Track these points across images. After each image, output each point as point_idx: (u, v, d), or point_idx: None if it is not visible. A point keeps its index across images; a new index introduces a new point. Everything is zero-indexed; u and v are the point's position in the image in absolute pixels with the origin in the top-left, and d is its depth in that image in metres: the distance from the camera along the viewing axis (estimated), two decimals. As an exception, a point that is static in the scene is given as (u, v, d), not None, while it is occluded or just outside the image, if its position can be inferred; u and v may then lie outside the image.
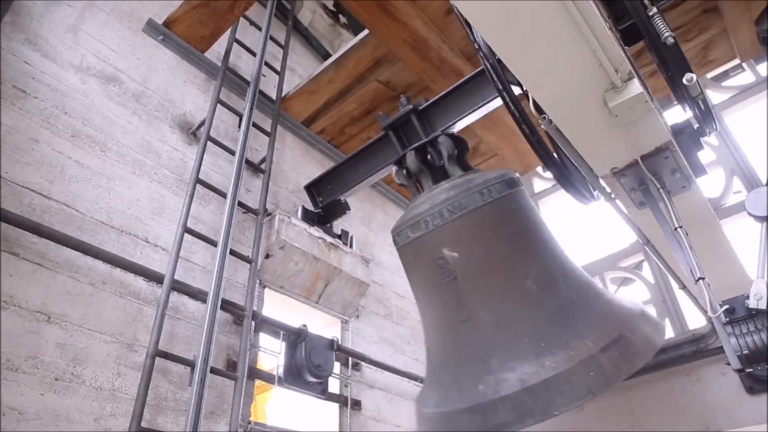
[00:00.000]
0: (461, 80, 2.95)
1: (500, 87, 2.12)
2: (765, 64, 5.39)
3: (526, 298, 1.66)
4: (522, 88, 2.08)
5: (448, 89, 2.94)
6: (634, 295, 5.65)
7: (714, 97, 5.60)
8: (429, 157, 2.62)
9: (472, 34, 2.08)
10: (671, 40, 1.79)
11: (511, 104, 2.12)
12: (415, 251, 1.87)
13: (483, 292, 1.72)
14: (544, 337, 1.53)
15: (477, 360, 1.60)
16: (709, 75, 5.39)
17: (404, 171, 2.73)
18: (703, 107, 2.06)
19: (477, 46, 2.09)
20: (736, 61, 4.71)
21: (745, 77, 5.64)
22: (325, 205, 3.88)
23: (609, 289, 5.63)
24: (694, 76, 1.85)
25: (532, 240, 1.88)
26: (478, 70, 2.93)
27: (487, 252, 1.80)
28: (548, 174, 6.42)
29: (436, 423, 1.64)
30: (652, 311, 5.18)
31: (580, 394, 1.36)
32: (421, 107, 2.87)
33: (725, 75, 5.72)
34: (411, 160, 2.64)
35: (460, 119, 2.85)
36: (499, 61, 2.05)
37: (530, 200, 2.02)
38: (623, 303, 1.90)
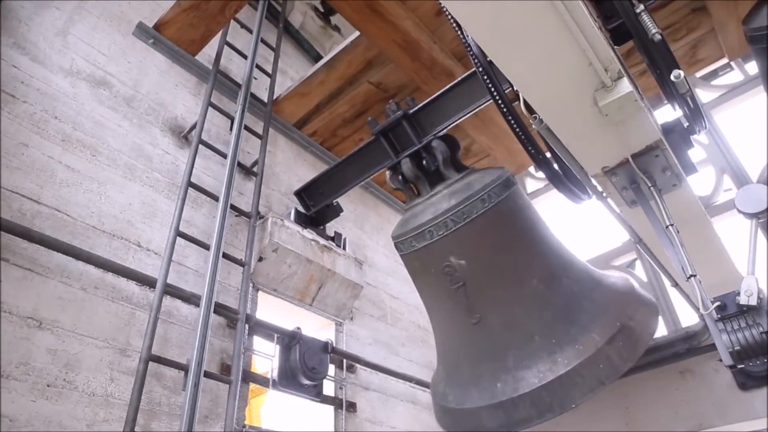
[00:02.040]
0: (450, 84, 2.96)
1: (492, 88, 2.12)
2: (753, 62, 5.43)
3: (533, 298, 1.73)
4: (513, 88, 2.08)
5: (437, 93, 2.95)
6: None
7: (703, 95, 5.64)
8: (424, 162, 2.63)
9: (463, 34, 2.09)
10: (658, 36, 1.80)
11: (503, 106, 2.12)
12: (421, 260, 1.93)
13: (492, 296, 1.78)
14: (553, 333, 1.60)
15: (492, 359, 1.68)
16: (698, 74, 5.43)
17: (399, 177, 2.74)
18: (691, 104, 2.07)
19: (468, 47, 2.10)
20: (725, 60, 4.75)
21: (734, 76, 5.68)
22: (317, 210, 3.89)
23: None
24: (682, 73, 1.87)
25: (533, 239, 1.93)
26: (467, 73, 2.94)
27: (492, 257, 1.86)
28: (540, 174, 6.45)
29: (459, 419, 1.73)
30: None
31: (592, 386, 1.44)
32: (412, 111, 2.88)
33: (714, 74, 5.77)
34: (407, 167, 2.66)
35: (451, 123, 2.86)
36: (490, 62, 2.05)
37: (526, 197, 2.07)
38: (618, 285, 1.96)
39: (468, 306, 1.73)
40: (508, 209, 1.85)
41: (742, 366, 1.74)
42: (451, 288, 1.81)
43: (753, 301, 1.75)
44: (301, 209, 4.03)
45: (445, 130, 2.79)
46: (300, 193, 3.90)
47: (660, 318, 5.00)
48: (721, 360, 1.80)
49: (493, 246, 1.85)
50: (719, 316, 1.80)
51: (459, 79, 2.95)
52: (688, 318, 4.81)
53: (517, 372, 1.58)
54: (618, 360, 1.53)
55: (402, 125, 2.83)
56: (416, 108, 2.90)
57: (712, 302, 1.82)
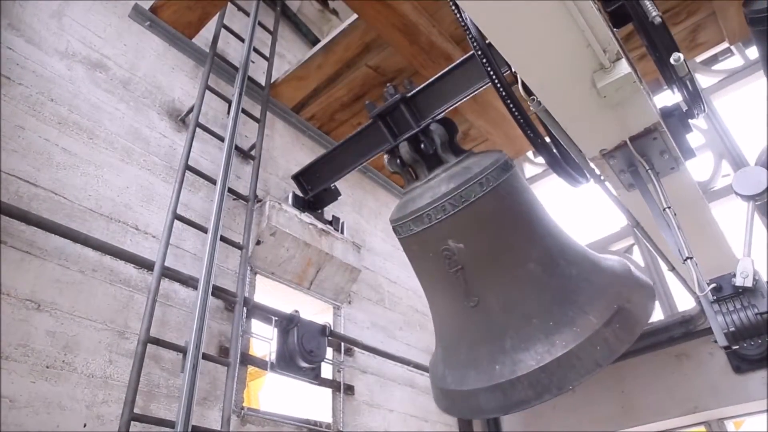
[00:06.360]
0: (449, 66, 2.95)
1: (490, 71, 2.11)
2: (753, 47, 5.41)
3: (530, 280, 1.73)
4: (511, 70, 2.07)
5: (436, 75, 2.94)
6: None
7: (703, 81, 5.62)
8: (422, 146, 2.62)
9: (461, 15, 2.07)
10: (659, 20, 1.79)
11: (502, 89, 2.11)
12: (420, 243, 1.93)
13: (489, 279, 1.78)
14: (551, 316, 1.60)
15: (490, 342, 1.69)
16: (698, 59, 5.40)
17: (397, 160, 2.74)
18: (691, 88, 2.06)
19: (465, 28, 2.08)
20: (725, 45, 4.72)
21: (734, 61, 5.66)
22: (314, 194, 3.90)
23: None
24: (681, 56, 1.86)
25: (531, 222, 1.92)
26: (464, 57, 2.93)
27: (491, 240, 1.86)
28: (539, 159, 6.44)
29: (458, 400, 1.74)
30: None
31: (589, 368, 1.44)
32: (410, 95, 2.87)
33: (714, 59, 5.74)
34: (405, 150, 2.65)
35: (450, 106, 2.85)
36: (489, 45, 2.04)
37: (524, 180, 2.06)
38: (616, 268, 1.96)
39: (466, 289, 1.74)
40: (506, 192, 1.85)
41: (737, 347, 1.75)
42: (449, 271, 1.82)
43: (748, 283, 1.76)
44: (299, 193, 4.02)
45: (443, 114, 2.78)
46: (298, 177, 3.89)
47: (656, 302, 5.04)
48: (716, 341, 1.82)
49: (491, 229, 1.85)
50: (715, 297, 1.81)
51: (458, 62, 2.94)
52: (684, 302, 4.84)
53: (515, 354, 1.58)
54: (615, 342, 1.53)
55: (400, 108, 2.82)
56: (414, 91, 2.89)
57: (708, 284, 1.82)
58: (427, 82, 2.91)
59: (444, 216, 1.92)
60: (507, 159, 2.16)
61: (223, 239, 3.54)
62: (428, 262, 1.97)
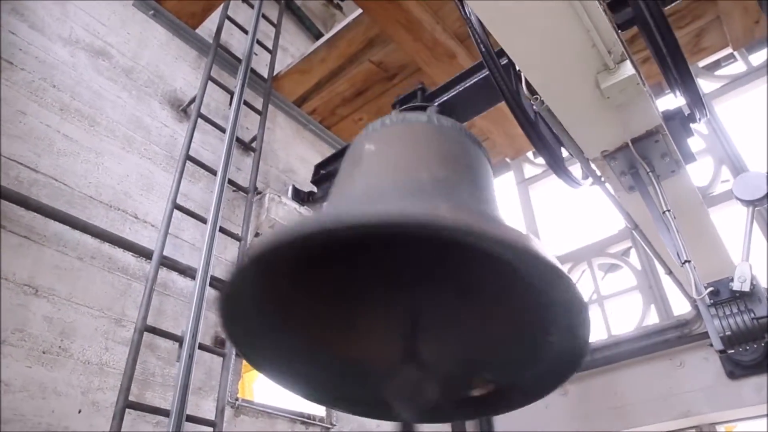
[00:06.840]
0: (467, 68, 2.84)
1: (493, 68, 2.11)
2: (756, 53, 5.42)
3: (412, 181, 1.44)
4: (514, 68, 2.07)
5: (457, 74, 2.84)
6: (621, 281, 5.71)
7: (705, 86, 5.62)
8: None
9: (465, 11, 2.07)
10: None
11: (504, 88, 2.11)
12: (349, 158, 1.72)
13: (375, 177, 1.55)
14: (411, 196, 1.29)
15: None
16: (701, 64, 5.41)
17: None
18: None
19: (470, 25, 2.08)
20: (729, 50, 4.72)
21: (737, 67, 5.66)
22: (320, 186, 3.84)
23: (596, 276, 5.67)
24: None
25: (462, 170, 1.57)
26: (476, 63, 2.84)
27: (403, 151, 1.60)
28: (539, 160, 6.43)
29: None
30: (638, 298, 5.25)
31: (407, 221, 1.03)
32: (430, 91, 2.81)
33: (717, 64, 5.74)
34: (394, 113, 2.61)
35: (453, 97, 2.79)
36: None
37: (488, 163, 1.73)
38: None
39: (352, 188, 1.53)
40: (452, 138, 1.57)
41: (732, 351, 1.76)
42: (350, 174, 1.61)
43: (746, 288, 1.77)
44: (299, 185, 4.01)
45: (445, 100, 2.73)
46: (319, 167, 3.80)
47: (653, 306, 5.06)
48: (712, 345, 1.82)
49: (411, 146, 1.58)
50: (712, 301, 1.82)
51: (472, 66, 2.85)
52: (680, 307, 4.85)
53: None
54: (447, 212, 1.05)
55: (416, 95, 2.79)
56: (436, 89, 2.83)
57: (706, 288, 1.83)
58: (450, 80, 2.83)
59: (378, 128, 1.73)
60: (478, 138, 1.91)
61: (222, 230, 3.54)
62: (345, 173, 1.74)
